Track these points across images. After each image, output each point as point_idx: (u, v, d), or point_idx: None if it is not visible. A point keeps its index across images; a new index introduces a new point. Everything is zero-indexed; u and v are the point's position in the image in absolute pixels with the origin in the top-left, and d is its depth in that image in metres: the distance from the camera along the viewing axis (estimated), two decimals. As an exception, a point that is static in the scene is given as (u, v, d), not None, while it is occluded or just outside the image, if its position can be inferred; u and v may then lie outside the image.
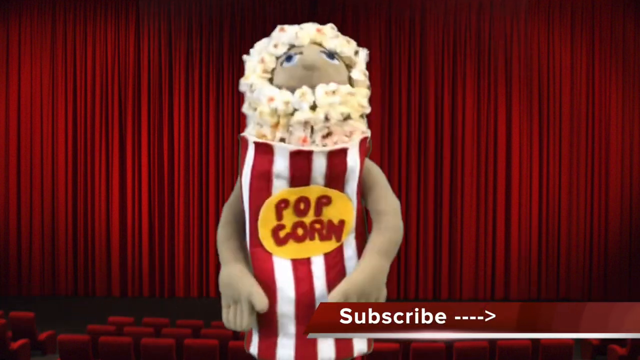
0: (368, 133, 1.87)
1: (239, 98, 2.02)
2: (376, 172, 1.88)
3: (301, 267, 1.77)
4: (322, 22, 1.92)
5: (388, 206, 1.83)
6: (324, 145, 1.77)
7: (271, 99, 1.79)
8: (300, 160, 1.76)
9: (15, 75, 10.84)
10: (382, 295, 1.77)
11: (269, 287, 1.77)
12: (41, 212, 10.82)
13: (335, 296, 1.70)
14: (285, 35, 1.87)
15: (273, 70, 1.86)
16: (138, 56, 10.85)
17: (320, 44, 1.86)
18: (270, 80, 1.85)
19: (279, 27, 1.89)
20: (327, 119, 1.77)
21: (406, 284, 10.77)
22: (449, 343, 6.40)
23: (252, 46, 1.92)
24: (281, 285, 1.77)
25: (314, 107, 1.77)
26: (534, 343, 6.53)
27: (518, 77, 10.74)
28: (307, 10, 10.55)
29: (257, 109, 1.81)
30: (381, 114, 10.73)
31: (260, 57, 1.88)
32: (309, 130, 1.77)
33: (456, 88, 10.78)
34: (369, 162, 1.87)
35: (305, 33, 1.86)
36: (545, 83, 10.79)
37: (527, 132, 10.78)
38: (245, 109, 1.87)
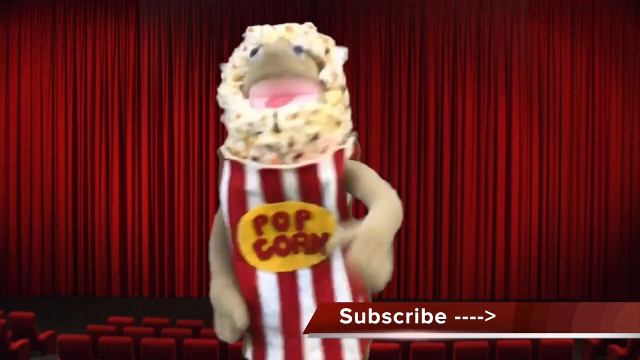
0: (349, 142, 1.77)
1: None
2: (360, 168, 1.76)
3: (286, 280, 1.75)
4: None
5: (381, 185, 1.72)
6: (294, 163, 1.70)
7: (238, 116, 1.74)
8: (271, 179, 1.71)
9: (15, 75, 10.84)
10: (385, 266, 1.54)
11: (253, 300, 1.77)
12: (41, 212, 10.82)
13: (342, 234, 1.57)
14: (252, 35, 1.80)
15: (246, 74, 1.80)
16: (138, 56, 10.85)
17: (288, 41, 1.77)
18: (242, 87, 1.80)
19: (248, 28, 1.82)
20: (291, 144, 1.68)
21: (406, 284, 10.77)
22: (449, 343, 6.39)
23: None
24: (265, 298, 1.76)
25: (278, 130, 1.69)
26: (534, 343, 6.51)
27: (518, 77, 10.74)
28: (307, 10, 10.52)
29: (229, 124, 1.77)
30: (381, 114, 10.72)
31: (232, 64, 1.82)
32: (276, 154, 1.70)
33: (456, 88, 10.78)
34: (355, 164, 1.78)
35: (272, 30, 1.78)
36: (545, 83, 10.79)
37: (527, 132, 10.78)
38: (223, 119, 1.82)
